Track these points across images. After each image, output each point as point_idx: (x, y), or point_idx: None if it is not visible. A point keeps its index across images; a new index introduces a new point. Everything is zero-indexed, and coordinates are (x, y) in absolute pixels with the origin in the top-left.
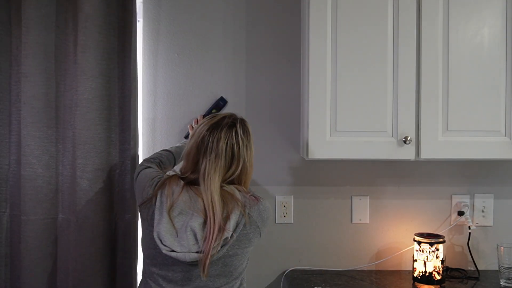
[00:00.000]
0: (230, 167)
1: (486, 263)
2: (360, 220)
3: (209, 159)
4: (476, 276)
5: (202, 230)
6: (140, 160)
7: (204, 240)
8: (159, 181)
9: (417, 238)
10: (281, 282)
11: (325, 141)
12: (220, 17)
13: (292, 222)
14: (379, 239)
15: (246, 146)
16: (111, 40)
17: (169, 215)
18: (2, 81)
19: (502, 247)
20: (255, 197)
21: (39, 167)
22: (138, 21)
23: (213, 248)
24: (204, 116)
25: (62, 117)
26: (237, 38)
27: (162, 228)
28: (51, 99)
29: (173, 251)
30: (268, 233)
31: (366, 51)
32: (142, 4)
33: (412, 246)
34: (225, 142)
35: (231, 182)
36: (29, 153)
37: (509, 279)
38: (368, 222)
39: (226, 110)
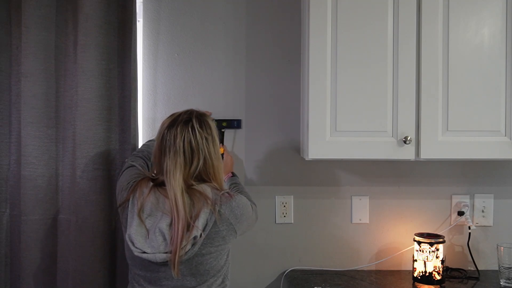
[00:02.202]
0: (191, 162)
1: (486, 263)
2: (360, 220)
3: (169, 157)
4: (476, 276)
5: (170, 230)
6: None
7: (171, 239)
8: (133, 184)
9: (417, 238)
10: (281, 282)
11: (325, 141)
12: (220, 17)
13: (292, 222)
14: (379, 239)
15: (206, 139)
16: (111, 40)
17: (140, 217)
18: (2, 81)
19: (502, 247)
20: (229, 194)
21: (39, 167)
22: (138, 21)
23: (182, 247)
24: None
25: (62, 117)
26: (237, 38)
27: (133, 230)
28: (51, 99)
29: (144, 252)
30: (267, 232)
31: (366, 51)
32: (142, 4)
33: (412, 246)
34: (182, 137)
35: (201, 179)
36: (29, 153)
37: (509, 279)
38: (368, 222)
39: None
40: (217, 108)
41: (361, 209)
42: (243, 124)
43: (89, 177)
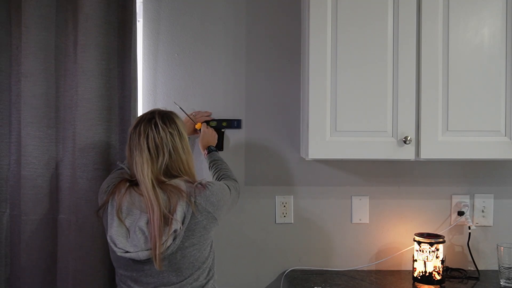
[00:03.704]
0: (157, 157)
1: (486, 263)
2: (360, 220)
3: (137, 155)
4: (476, 276)
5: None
6: None
7: (150, 235)
8: (112, 187)
9: (417, 238)
10: (281, 282)
11: (325, 141)
12: (220, 17)
13: (292, 222)
14: (379, 239)
15: (171, 134)
16: (111, 40)
17: (119, 218)
18: (2, 81)
19: (502, 247)
20: (202, 185)
21: (39, 167)
22: (138, 21)
23: (163, 242)
24: (211, 121)
25: (62, 117)
26: (237, 38)
27: (113, 231)
28: (51, 99)
29: (127, 252)
30: (267, 232)
31: (366, 51)
32: (142, 4)
33: (412, 246)
34: (145, 135)
35: (171, 175)
36: (29, 153)
37: (509, 279)
38: (368, 222)
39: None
40: (217, 108)
41: (361, 209)
42: (243, 124)
43: (89, 177)
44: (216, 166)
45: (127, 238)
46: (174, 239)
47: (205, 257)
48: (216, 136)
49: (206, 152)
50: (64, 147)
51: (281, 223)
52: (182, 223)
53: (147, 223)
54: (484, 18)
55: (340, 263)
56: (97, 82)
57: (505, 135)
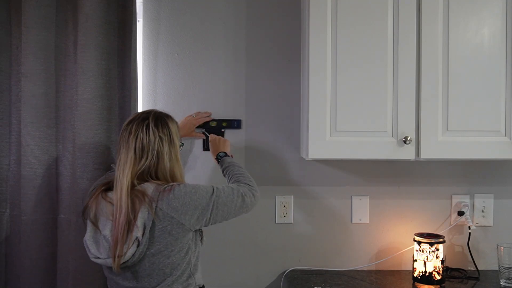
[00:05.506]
0: (140, 159)
1: (486, 263)
2: (360, 220)
3: (123, 152)
4: (476, 276)
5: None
6: None
7: (112, 240)
8: (95, 190)
9: (417, 238)
10: (281, 282)
11: (325, 141)
12: (220, 17)
13: (292, 222)
14: (379, 239)
15: (160, 138)
16: (111, 40)
17: (92, 223)
18: (2, 81)
19: (502, 247)
20: (171, 187)
21: (39, 167)
22: (138, 21)
23: (125, 249)
24: (211, 121)
25: (62, 117)
26: (237, 38)
27: (87, 236)
28: (51, 99)
29: (98, 258)
30: (267, 232)
31: (366, 51)
32: (142, 4)
33: (412, 246)
34: (135, 135)
35: (143, 179)
36: (29, 153)
37: (509, 279)
38: (368, 222)
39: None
40: (217, 108)
41: (361, 209)
42: (243, 124)
43: (89, 177)
44: (228, 173)
45: (97, 244)
46: (138, 246)
47: (176, 263)
48: (224, 141)
49: (217, 161)
50: (64, 147)
51: (281, 223)
52: (144, 230)
53: (111, 230)
54: (484, 18)
55: (340, 263)
56: (97, 82)
57: (505, 135)
